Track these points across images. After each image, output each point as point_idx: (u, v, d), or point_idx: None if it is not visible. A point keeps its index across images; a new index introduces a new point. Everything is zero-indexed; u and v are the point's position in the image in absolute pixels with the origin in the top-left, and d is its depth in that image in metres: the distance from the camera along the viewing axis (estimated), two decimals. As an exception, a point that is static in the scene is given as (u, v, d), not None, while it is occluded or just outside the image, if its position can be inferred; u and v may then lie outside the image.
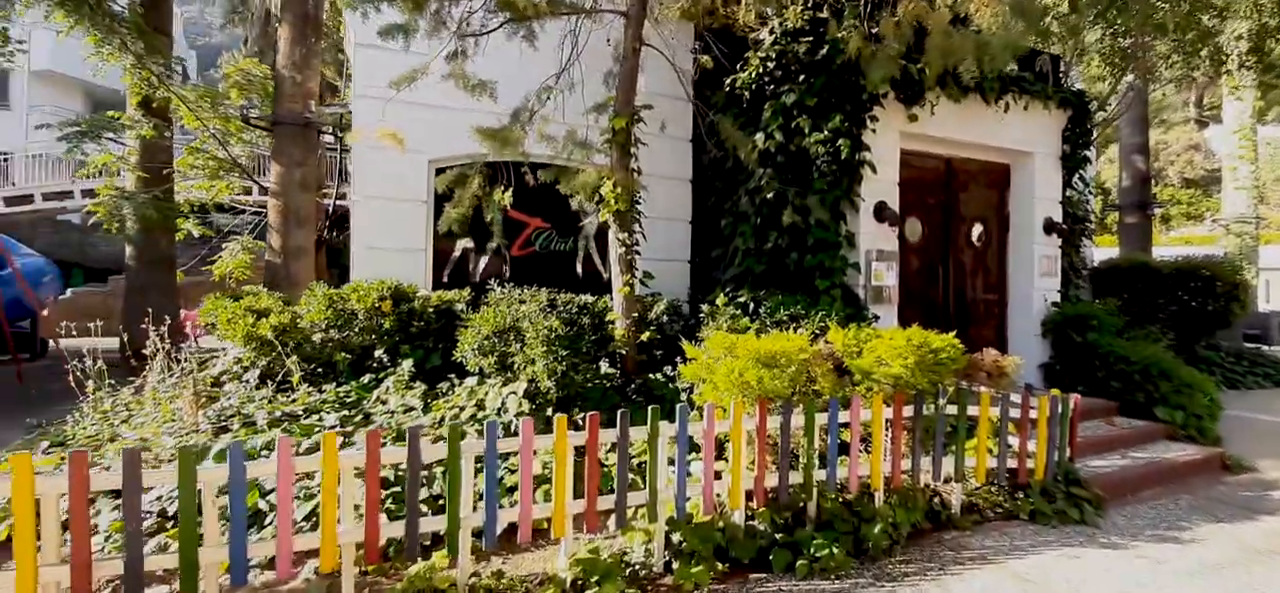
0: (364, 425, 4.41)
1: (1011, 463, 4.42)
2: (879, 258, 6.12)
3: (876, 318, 5.92)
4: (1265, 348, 11.41)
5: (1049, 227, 7.26)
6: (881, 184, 6.16)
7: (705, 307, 5.80)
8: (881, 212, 6.08)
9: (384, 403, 4.70)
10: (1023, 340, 7.28)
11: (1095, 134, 7.50)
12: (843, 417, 3.88)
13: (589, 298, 5.91)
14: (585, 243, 7.11)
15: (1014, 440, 4.44)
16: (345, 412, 4.60)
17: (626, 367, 5.17)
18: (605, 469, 3.61)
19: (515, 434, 3.31)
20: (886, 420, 3.99)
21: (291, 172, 8.69)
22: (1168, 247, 18.54)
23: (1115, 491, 4.77)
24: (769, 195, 6.10)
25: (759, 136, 6.19)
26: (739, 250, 6.45)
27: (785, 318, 5.23)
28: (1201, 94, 38.26)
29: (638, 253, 5.20)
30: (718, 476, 3.63)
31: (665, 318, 5.91)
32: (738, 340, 3.71)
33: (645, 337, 5.06)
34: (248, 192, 12.28)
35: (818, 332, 5.02)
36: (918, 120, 6.24)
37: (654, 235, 7.18)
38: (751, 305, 5.92)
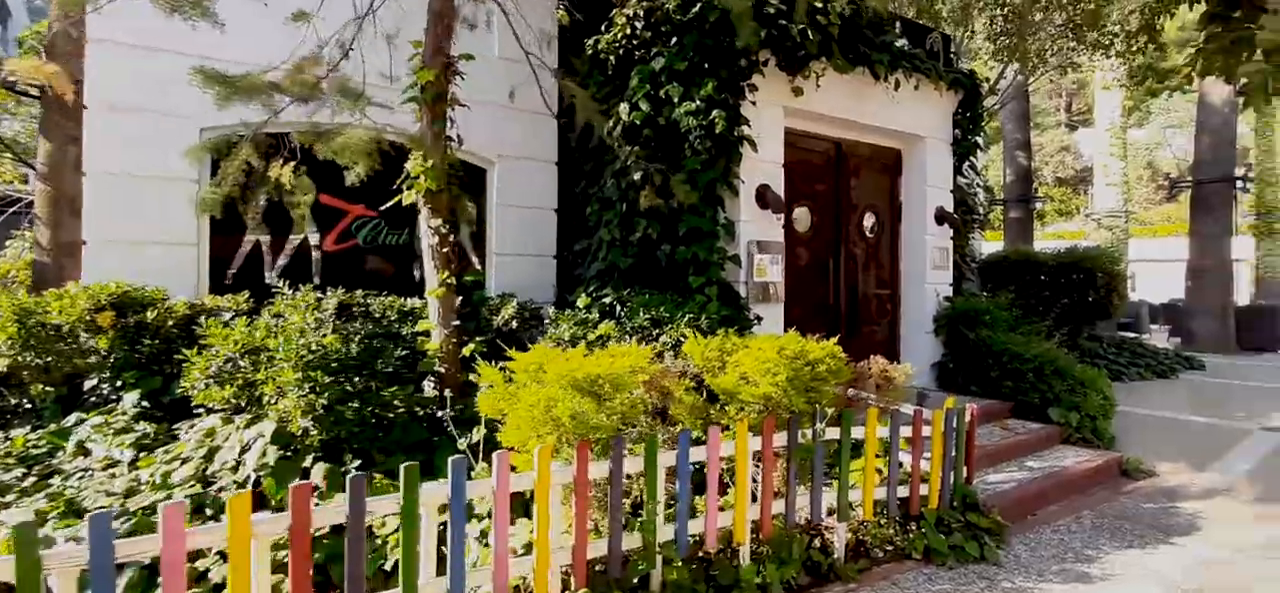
0: (43, 487, 3.08)
1: (903, 491, 3.70)
2: (762, 250, 5.34)
3: (758, 319, 5.13)
4: (1141, 338, 11.79)
5: (941, 216, 6.79)
6: (764, 166, 5.38)
7: (551, 311, 4.81)
8: (764, 197, 5.30)
9: (86, 453, 3.37)
10: (916, 338, 6.78)
11: (985, 119, 7.19)
12: (698, 454, 2.98)
13: (417, 302, 4.78)
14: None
15: (906, 459, 3.73)
16: (22, 469, 3.24)
17: (450, 388, 4.07)
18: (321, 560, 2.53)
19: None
20: (753, 453, 3.13)
21: (65, 149, 6.90)
22: (1045, 241, 19.44)
23: (1015, 512, 4.18)
24: (635, 177, 5.17)
25: (623, 108, 5.26)
26: (603, 242, 5.49)
27: (646, 322, 4.32)
28: (1071, 99, 41.54)
29: (456, 244, 4.12)
30: (527, 548, 2.63)
31: (514, 324, 4.86)
32: (550, 359, 2.72)
33: (469, 350, 3.98)
34: (25, 178, 10.09)
35: (681, 339, 4.14)
36: (803, 95, 5.51)
37: (515, 227, 6.12)
38: (617, 307, 4.98)
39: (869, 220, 6.70)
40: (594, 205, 5.74)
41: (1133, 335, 11.91)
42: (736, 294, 5.15)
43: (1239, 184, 12.72)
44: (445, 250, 3.97)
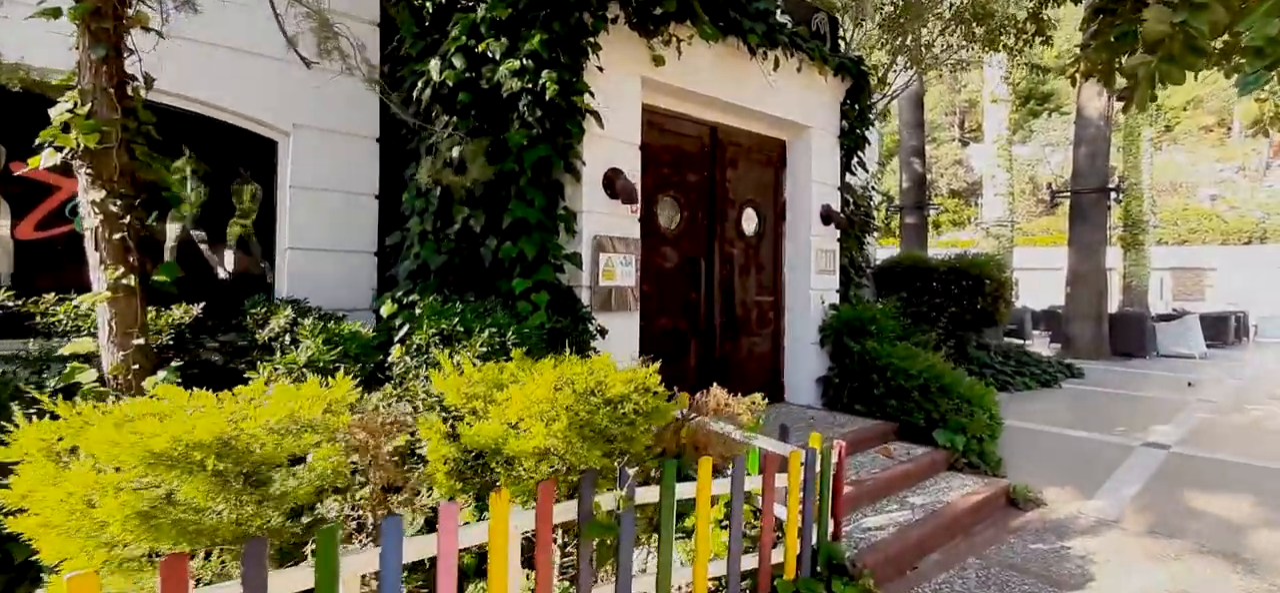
0: None
1: (751, 561, 2.85)
2: (612, 248, 4.41)
3: (602, 333, 4.19)
4: (1026, 345, 11.88)
5: (827, 215, 6.14)
6: (614, 147, 4.47)
7: (353, 323, 3.67)
8: (613, 183, 4.38)
9: None
10: (801, 351, 6.09)
11: (875, 112, 6.67)
12: (418, 548, 1.96)
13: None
14: (185, 221, 4.58)
15: (773, 500, 2.88)
16: None
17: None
18: None
19: None
20: (524, 535, 2.15)
21: None
22: (940, 249, 19.96)
23: (892, 568, 3.45)
24: (452, 154, 4.11)
25: (434, 65, 4.18)
26: (414, 234, 4.39)
27: (432, 337, 3.26)
28: (963, 116, 44.01)
29: (139, 228, 2.92)
30: None
31: (286, 338, 3.67)
32: (95, 425, 1.60)
33: (153, 383, 2.78)
34: None
35: (486, 355, 3.12)
36: (664, 65, 4.65)
37: (317, 215, 4.88)
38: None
39: (750, 218, 5.94)
40: (409, 190, 4.61)
41: (1018, 342, 12.01)
42: (575, 301, 4.19)
43: (1113, 194, 13.19)
44: (118, 237, 2.76)
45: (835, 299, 6.30)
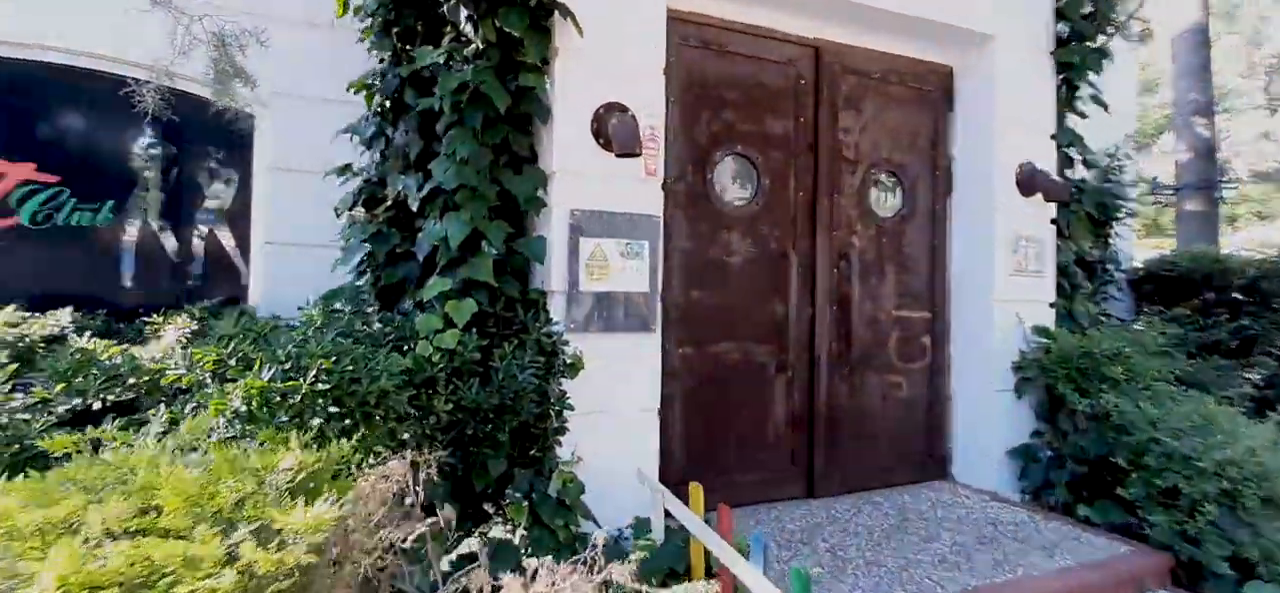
0: None
1: None
2: (603, 230, 2.72)
3: (573, 367, 2.52)
4: None
5: (1030, 180, 3.73)
6: (614, 70, 2.78)
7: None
8: (603, 126, 2.69)
9: None
10: (982, 400, 3.74)
11: (1117, 13, 3.99)
12: None
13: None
14: (145, 211, 3.87)
15: None
16: None
17: None
18: None
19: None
20: None
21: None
22: (1242, 252, 14.36)
23: None
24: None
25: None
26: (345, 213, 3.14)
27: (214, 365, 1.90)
28: (1269, 78, 33.30)
29: None
30: None
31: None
32: None
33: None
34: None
35: (250, 415, 1.68)
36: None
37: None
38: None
39: (885, 189, 3.81)
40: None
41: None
42: (537, 313, 2.58)
43: None
44: None
45: (1048, 318, 3.82)
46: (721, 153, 3.31)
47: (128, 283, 3.82)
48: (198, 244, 3.98)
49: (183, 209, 3.95)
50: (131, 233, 3.83)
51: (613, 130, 2.63)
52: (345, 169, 3.20)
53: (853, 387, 3.61)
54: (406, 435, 2.03)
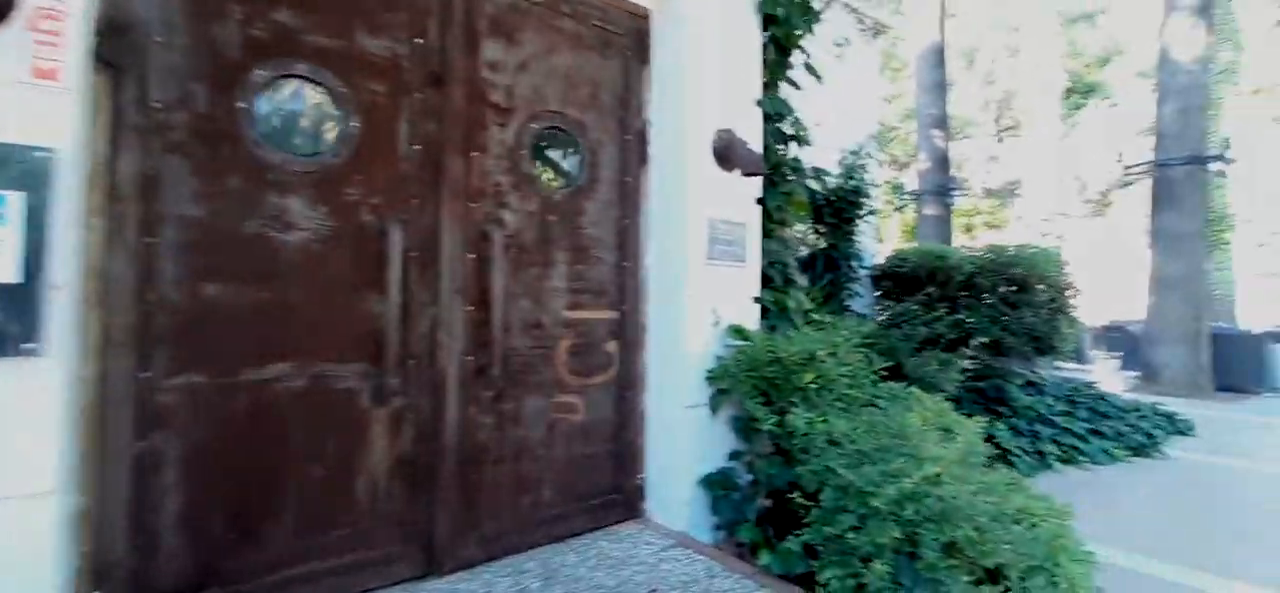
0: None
1: None
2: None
3: None
4: (1094, 381, 8.34)
5: (726, 149, 3.09)
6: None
7: None
8: None
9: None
10: (678, 418, 3.02)
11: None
12: None
13: None
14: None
15: None
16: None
17: None
18: None
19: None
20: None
21: None
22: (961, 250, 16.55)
23: None
24: None
25: None
26: None
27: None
28: (999, 111, 40.10)
29: None
30: None
31: None
32: None
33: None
34: None
35: None
36: None
37: None
38: None
39: (556, 152, 2.93)
40: None
41: (1083, 376, 8.67)
42: None
43: (1214, 166, 9.68)
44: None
45: (752, 316, 3.22)
46: (269, 71, 2.17)
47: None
48: None
49: None
50: None
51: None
52: None
53: (502, 415, 2.67)
54: None
